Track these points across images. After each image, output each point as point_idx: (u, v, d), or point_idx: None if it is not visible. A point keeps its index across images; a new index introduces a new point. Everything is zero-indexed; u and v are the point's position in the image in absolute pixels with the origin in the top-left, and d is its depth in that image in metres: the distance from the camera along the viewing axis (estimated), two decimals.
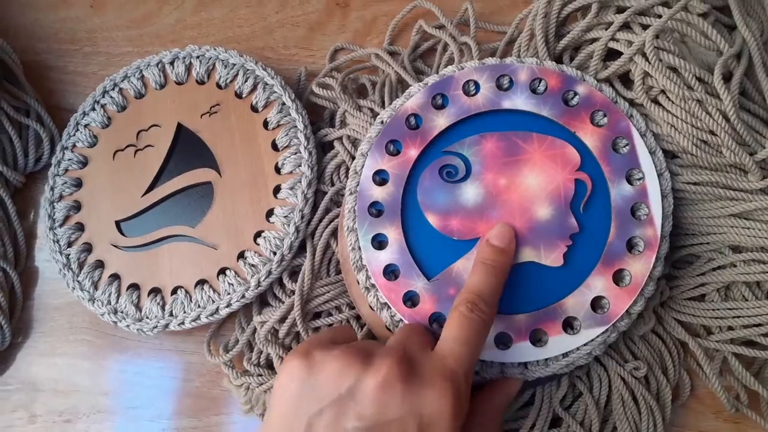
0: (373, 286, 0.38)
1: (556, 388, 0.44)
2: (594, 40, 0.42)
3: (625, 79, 0.43)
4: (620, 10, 0.42)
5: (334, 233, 0.46)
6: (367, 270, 0.39)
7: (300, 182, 0.46)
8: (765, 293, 0.42)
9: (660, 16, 0.40)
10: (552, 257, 0.38)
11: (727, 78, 0.39)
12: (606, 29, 0.41)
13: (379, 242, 0.39)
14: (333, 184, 0.47)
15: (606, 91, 0.41)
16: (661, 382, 0.44)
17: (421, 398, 0.30)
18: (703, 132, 0.39)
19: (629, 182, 0.39)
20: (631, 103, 0.42)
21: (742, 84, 0.40)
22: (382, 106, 0.46)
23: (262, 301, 0.47)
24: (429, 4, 0.49)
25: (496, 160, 0.40)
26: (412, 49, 0.49)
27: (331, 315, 0.45)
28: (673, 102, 0.40)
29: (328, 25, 0.54)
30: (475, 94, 0.41)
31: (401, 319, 0.38)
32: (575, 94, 0.40)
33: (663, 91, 0.40)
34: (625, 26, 0.41)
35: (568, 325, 0.37)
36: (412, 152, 0.40)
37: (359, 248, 0.39)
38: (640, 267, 0.38)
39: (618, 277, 0.38)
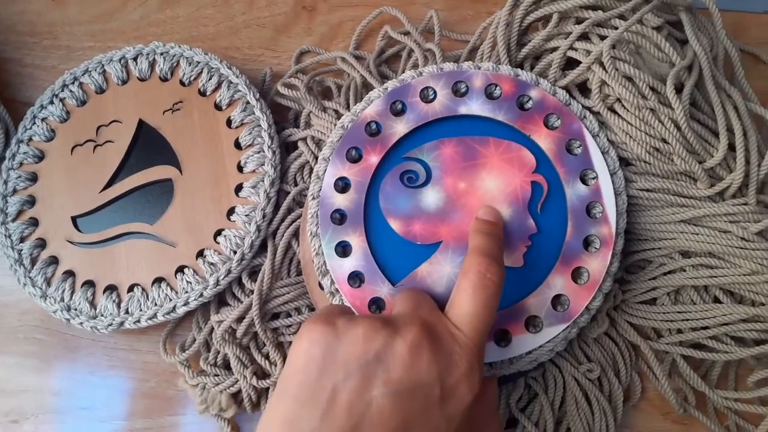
0: (338, 291, 0.39)
1: (513, 389, 0.45)
2: (554, 49, 0.44)
3: (584, 88, 0.44)
4: (579, 21, 0.43)
5: (296, 234, 0.46)
6: (331, 276, 0.39)
7: (263, 181, 0.46)
8: (712, 297, 0.44)
9: (617, 28, 0.42)
10: (512, 258, 0.39)
11: (678, 89, 0.41)
12: (565, 39, 0.43)
13: (342, 248, 0.39)
14: (296, 184, 0.47)
15: (560, 94, 0.42)
16: (613, 384, 0.45)
17: (444, 365, 0.30)
18: (655, 140, 0.41)
19: (584, 182, 0.40)
20: (589, 110, 0.43)
21: (692, 95, 0.42)
22: (347, 108, 0.46)
23: (221, 300, 0.46)
24: (395, 11, 0.50)
25: (455, 165, 0.40)
26: (377, 54, 0.50)
27: (290, 316, 0.45)
28: (628, 110, 0.41)
29: (295, 27, 0.54)
30: (433, 100, 0.41)
31: None
32: (529, 98, 0.41)
33: (619, 100, 0.41)
34: (584, 36, 0.43)
35: (531, 324, 0.38)
36: (373, 159, 0.40)
37: (323, 254, 0.39)
38: (597, 264, 0.39)
39: (576, 275, 0.39)
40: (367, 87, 0.48)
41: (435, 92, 0.41)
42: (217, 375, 0.45)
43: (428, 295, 0.36)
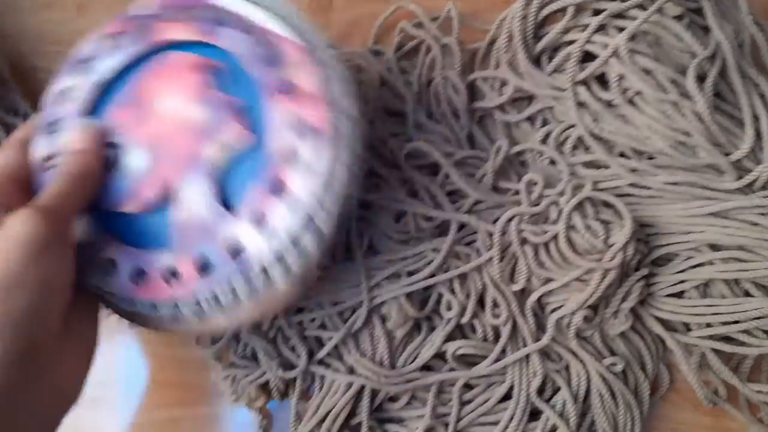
0: None
1: (533, 377, 0.45)
2: (571, 42, 0.43)
3: (603, 80, 0.43)
4: (596, 12, 0.42)
5: None
6: None
7: None
8: (743, 291, 0.43)
9: (636, 19, 0.40)
10: (231, 133, 0.37)
11: (701, 80, 0.40)
12: (583, 31, 0.42)
13: None
14: None
15: None
16: (639, 377, 0.45)
17: None
18: (678, 133, 0.40)
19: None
20: (608, 104, 0.42)
21: (716, 86, 0.40)
22: (366, 104, 0.47)
23: None
24: (412, 5, 0.49)
25: (135, 118, 0.38)
26: (396, 49, 0.50)
27: (312, 310, 0.46)
28: (648, 104, 0.40)
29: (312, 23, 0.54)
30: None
31: None
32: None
33: (639, 93, 0.40)
34: (601, 29, 0.42)
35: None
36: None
37: None
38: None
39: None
40: (386, 84, 0.48)
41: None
42: (247, 367, 0.47)
43: None
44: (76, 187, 0.36)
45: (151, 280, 0.37)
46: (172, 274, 0.37)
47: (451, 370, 0.46)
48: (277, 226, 0.35)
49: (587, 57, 0.43)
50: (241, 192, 0.37)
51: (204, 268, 0.36)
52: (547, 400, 0.45)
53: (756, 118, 0.40)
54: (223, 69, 0.38)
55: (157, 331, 0.40)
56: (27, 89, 0.54)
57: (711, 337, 0.44)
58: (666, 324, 0.45)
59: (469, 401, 0.46)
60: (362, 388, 0.46)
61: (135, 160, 0.38)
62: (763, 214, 0.40)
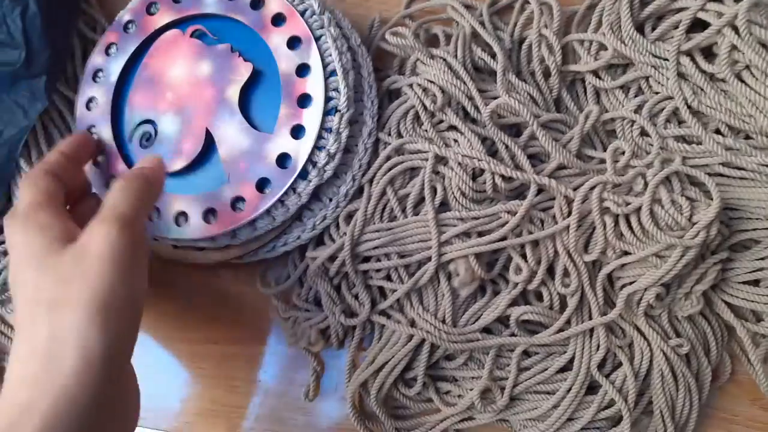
0: None
1: (595, 351, 0.44)
2: (681, 9, 0.41)
3: (707, 53, 0.42)
4: None
5: (392, 181, 0.46)
6: None
7: (360, 131, 0.46)
8: None
9: None
10: (239, 69, 0.45)
11: None
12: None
13: None
14: (399, 133, 0.47)
15: None
16: (702, 362, 0.44)
17: None
18: None
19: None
20: (711, 77, 0.41)
21: None
22: (455, 56, 0.46)
23: (319, 240, 0.48)
24: None
25: (155, 94, 0.46)
26: (489, 5, 0.48)
27: (379, 261, 0.46)
28: (757, 79, 0.39)
29: None
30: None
31: None
32: None
33: (748, 67, 0.39)
34: None
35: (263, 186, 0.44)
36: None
37: None
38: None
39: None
40: (476, 37, 0.47)
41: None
42: (308, 311, 0.46)
43: None
44: (147, 183, 0.38)
45: (222, 215, 0.43)
46: (238, 202, 0.43)
47: (512, 335, 0.45)
48: (311, 128, 0.43)
49: (692, 27, 0.41)
50: (271, 114, 0.44)
51: (262, 185, 0.43)
52: (607, 375, 0.45)
53: None
54: (205, 30, 0.46)
55: (241, 258, 0.45)
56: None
57: None
58: (736, 311, 0.44)
59: (527, 368, 0.46)
60: (422, 342, 0.45)
61: (169, 126, 0.45)
62: None
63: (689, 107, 0.42)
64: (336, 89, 0.44)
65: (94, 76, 0.48)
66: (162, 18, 0.47)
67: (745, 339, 0.44)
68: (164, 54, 0.46)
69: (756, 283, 0.44)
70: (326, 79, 0.44)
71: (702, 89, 0.41)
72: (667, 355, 0.44)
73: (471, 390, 0.45)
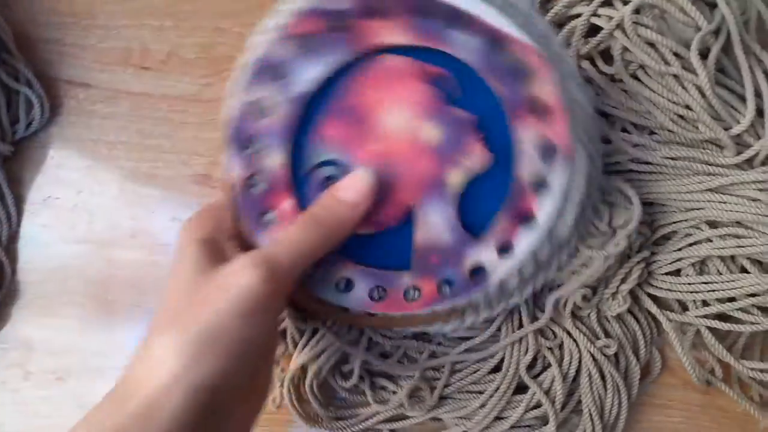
0: None
1: (524, 354, 0.45)
2: (577, 16, 0.43)
3: (608, 56, 0.43)
4: None
5: None
6: None
7: None
8: (739, 267, 0.43)
9: None
10: (476, 157, 0.36)
11: (705, 55, 0.40)
12: (588, 5, 0.42)
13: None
14: None
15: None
16: (630, 361, 0.45)
17: None
18: (679, 107, 0.40)
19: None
20: (612, 78, 0.42)
21: (720, 61, 0.40)
22: None
23: None
24: None
25: (357, 135, 0.36)
26: None
27: None
28: (651, 77, 0.40)
29: None
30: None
31: None
32: None
33: (642, 67, 0.41)
34: (607, 2, 0.42)
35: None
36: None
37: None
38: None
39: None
40: None
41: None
42: None
43: None
44: (323, 239, 0.33)
45: (391, 298, 0.37)
46: (413, 293, 0.37)
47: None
48: (520, 251, 0.36)
49: (592, 32, 0.43)
50: (485, 217, 0.37)
51: (443, 286, 0.37)
52: (536, 376, 0.45)
53: (758, 94, 0.40)
54: (452, 79, 0.35)
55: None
56: (38, 60, 0.54)
57: (706, 316, 0.44)
58: (661, 303, 0.46)
59: (460, 370, 0.46)
60: (360, 335, 0.45)
61: None
62: (761, 190, 0.41)
63: (596, 109, 0.43)
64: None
65: (266, 70, 0.35)
66: (391, 34, 0.34)
67: (669, 330, 0.45)
68: (384, 86, 0.35)
69: (677, 273, 0.45)
70: (560, 209, 0.37)
71: (604, 91, 0.43)
72: (595, 356, 0.44)
73: (402, 389, 0.45)
